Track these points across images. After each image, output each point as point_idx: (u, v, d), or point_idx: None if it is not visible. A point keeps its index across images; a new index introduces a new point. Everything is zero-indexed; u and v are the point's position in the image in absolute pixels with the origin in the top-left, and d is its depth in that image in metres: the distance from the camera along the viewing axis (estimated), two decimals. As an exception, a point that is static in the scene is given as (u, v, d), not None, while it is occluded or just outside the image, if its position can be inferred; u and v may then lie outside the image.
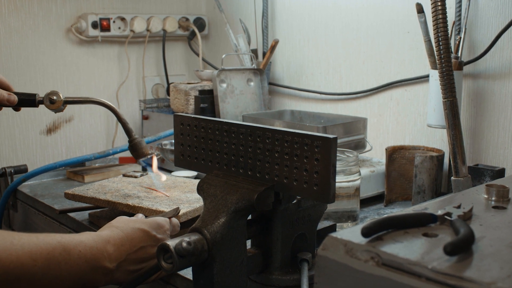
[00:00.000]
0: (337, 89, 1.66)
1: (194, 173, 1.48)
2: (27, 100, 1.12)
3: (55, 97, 1.13)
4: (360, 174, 1.12)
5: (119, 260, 0.78)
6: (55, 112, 1.17)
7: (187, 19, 2.04)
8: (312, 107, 1.73)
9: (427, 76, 1.33)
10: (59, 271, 0.71)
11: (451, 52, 1.24)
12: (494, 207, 0.68)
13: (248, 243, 0.88)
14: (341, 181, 1.08)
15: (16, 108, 1.11)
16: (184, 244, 0.73)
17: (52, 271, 0.71)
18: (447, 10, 1.03)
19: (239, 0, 1.95)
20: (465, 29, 1.28)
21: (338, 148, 0.87)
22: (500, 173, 1.20)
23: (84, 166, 1.65)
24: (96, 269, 0.75)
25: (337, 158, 1.03)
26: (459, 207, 0.64)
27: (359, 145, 1.37)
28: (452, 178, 1.08)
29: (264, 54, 1.82)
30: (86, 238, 0.76)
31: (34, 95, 1.13)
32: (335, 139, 0.75)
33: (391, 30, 1.50)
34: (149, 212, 1.04)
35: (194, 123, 0.92)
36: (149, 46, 2.03)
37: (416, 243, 0.56)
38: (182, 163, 0.96)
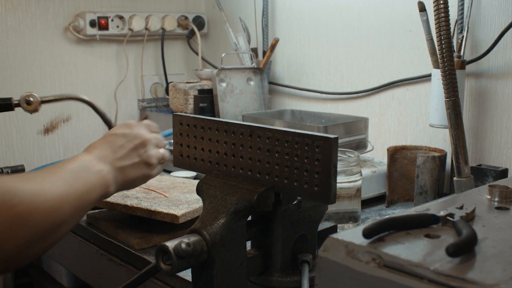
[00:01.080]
0: (338, 89, 1.66)
1: (193, 173, 1.48)
2: (2, 105, 1.12)
3: (31, 99, 1.13)
4: (361, 175, 1.12)
5: (105, 159, 0.80)
6: (31, 113, 1.17)
7: (186, 18, 2.04)
8: (313, 107, 1.73)
9: (429, 75, 1.33)
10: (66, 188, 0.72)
11: (454, 51, 1.24)
12: (497, 208, 0.68)
13: (248, 244, 0.88)
14: (342, 181, 1.08)
15: None
16: (183, 245, 0.73)
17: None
18: (449, 8, 1.03)
19: (239, -2, 1.95)
20: (468, 27, 1.28)
21: (339, 148, 0.87)
22: (503, 173, 1.19)
23: (82, 166, 1.64)
24: (89, 173, 0.77)
25: (338, 158, 1.03)
26: (461, 208, 0.64)
27: (360, 145, 1.37)
28: (455, 178, 1.08)
29: (264, 53, 1.82)
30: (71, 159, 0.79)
31: (9, 99, 1.13)
32: (336, 139, 0.75)
33: (392, 28, 1.50)
34: (148, 213, 1.04)
35: (193, 123, 0.92)
36: (147, 45, 2.03)
37: (418, 244, 0.56)
38: (181, 163, 0.96)
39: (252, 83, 1.71)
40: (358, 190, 1.11)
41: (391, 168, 1.29)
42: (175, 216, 1.01)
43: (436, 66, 1.26)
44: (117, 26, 1.90)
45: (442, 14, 1.01)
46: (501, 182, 0.77)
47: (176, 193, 1.15)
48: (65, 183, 0.73)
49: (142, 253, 1.04)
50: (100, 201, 1.11)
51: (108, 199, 1.10)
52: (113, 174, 0.82)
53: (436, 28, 1.03)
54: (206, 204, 0.82)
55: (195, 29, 2.03)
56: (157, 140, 0.92)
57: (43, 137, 1.86)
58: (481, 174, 1.20)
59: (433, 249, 0.55)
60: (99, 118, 1.97)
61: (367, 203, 1.29)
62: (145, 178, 0.89)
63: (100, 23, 1.86)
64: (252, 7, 1.87)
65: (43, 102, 1.14)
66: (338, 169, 0.77)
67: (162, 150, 0.92)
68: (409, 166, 1.31)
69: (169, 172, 1.59)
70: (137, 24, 1.91)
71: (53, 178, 0.72)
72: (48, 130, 1.87)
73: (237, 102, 1.67)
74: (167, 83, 2.01)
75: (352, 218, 1.12)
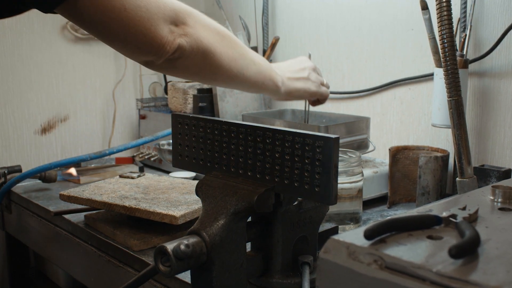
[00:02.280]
0: (339, 88, 1.66)
1: (193, 174, 1.48)
2: None
3: None
4: (362, 175, 1.12)
5: (279, 69, 1.14)
6: None
7: (185, 16, 2.04)
8: (314, 106, 1.73)
9: (432, 74, 1.33)
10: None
11: (456, 50, 1.24)
12: (500, 208, 0.67)
13: (248, 245, 0.88)
14: (344, 182, 1.08)
15: None
16: (182, 247, 0.73)
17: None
18: (452, 6, 1.02)
19: (238, -4, 1.95)
20: (471, 26, 1.28)
21: (340, 148, 0.87)
22: (507, 174, 1.19)
23: (80, 166, 1.65)
24: (269, 71, 1.09)
25: (339, 158, 1.03)
26: (464, 208, 0.64)
27: (361, 145, 1.37)
28: (457, 179, 1.08)
29: (264, 51, 1.82)
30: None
31: None
32: (337, 139, 0.75)
33: (394, 27, 1.50)
34: (146, 214, 1.04)
35: (192, 123, 0.92)
36: (146, 44, 2.02)
37: (420, 245, 0.56)
38: (180, 163, 0.96)
39: (252, 82, 1.70)
40: (360, 190, 1.11)
41: (393, 168, 1.29)
42: (174, 217, 1.01)
43: (438, 65, 1.26)
44: (115, 25, 1.90)
45: (445, 13, 1.01)
46: (504, 182, 0.77)
47: (175, 194, 1.15)
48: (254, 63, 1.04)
49: (140, 255, 1.04)
50: (97, 203, 1.11)
51: (106, 200, 1.10)
52: (282, 79, 1.12)
53: (438, 27, 1.03)
54: (205, 205, 0.82)
55: (194, 27, 2.02)
56: (319, 71, 1.23)
57: (40, 137, 1.86)
58: (484, 175, 1.20)
59: (436, 250, 0.55)
60: (96, 118, 1.98)
61: (368, 204, 1.29)
62: (307, 90, 1.18)
63: (98, 22, 1.85)
64: (252, 5, 1.87)
65: None
66: (339, 169, 0.77)
67: (321, 79, 1.23)
68: (411, 167, 1.31)
69: (167, 172, 1.59)
70: (136, 23, 1.91)
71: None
72: (45, 130, 1.87)
73: (237, 102, 1.67)
74: (166, 83, 2.01)
75: (353, 219, 1.12)
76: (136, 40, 0.82)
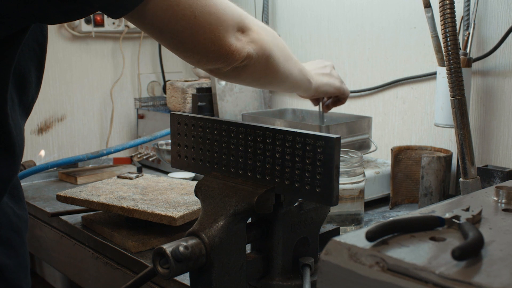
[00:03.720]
0: (340, 87, 1.66)
1: (192, 174, 1.48)
2: None
3: None
4: (364, 176, 1.12)
5: (310, 67, 1.18)
6: None
7: (184, 14, 2.04)
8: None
9: (434, 73, 1.33)
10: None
11: (460, 48, 1.24)
12: (504, 210, 0.68)
13: (248, 247, 0.88)
14: (345, 182, 1.08)
15: None
16: (181, 249, 0.73)
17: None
18: (455, 4, 1.03)
19: (238, -6, 1.95)
20: (474, 24, 1.28)
21: (341, 149, 0.87)
22: (511, 174, 1.20)
23: (77, 167, 1.65)
24: (304, 70, 1.12)
25: (341, 158, 1.03)
26: (467, 210, 0.64)
27: (363, 145, 1.37)
28: (461, 179, 1.08)
29: (264, 50, 1.82)
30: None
31: None
32: (339, 139, 0.75)
33: (396, 25, 1.50)
34: (144, 215, 1.04)
35: (191, 122, 0.92)
36: (144, 42, 2.03)
37: (423, 247, 0.56)
38: (179, 164, 0.96)
39: (252, 81, 1.71)
40: (361, 191, 1.12)
41: (395, 169, 1.30)
42: (172, 218, 1.01)
43: (441, 64, 1.26)
44: (113, 23, 1.90)
45: (448, 11, 1.01)
46: (508, 183, 0.77)
47: (174, 195, 1.15)
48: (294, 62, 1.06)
49: (138, 257, 1.04)
50: (94, 204, 1.11)
51: (103, 201, 1.10)
52: (312, 76, 1.16)
53: (441, 25, 1.03)
54: (204, 206, 0.82)
55: (194, 25, 2.02)
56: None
57: (37, 136, 1.86)
58: (488, 175, 1.20)
59: (439, 252, 0.55)
60: (94, 117, 1.98)
61: (370, 204, 1.29)
62: (332, 84, 1.22)
63: (96, 20, 1.86)
64: (252, 3, 1.87)
65: None
66: (340, 170, 0.77)
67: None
68: (413, 167, 1.31)
69: (166, 173, 1.59)
70: (134, 21, 1.91)
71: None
72: (42, 129, 1.87)
73: (237, 101, 1.67)
74: (165, 82, 2.01)
75: (355, 220, 1.12)
76: (205, 48, 0.81)
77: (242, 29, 0.86)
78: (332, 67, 1.24)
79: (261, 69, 0.93)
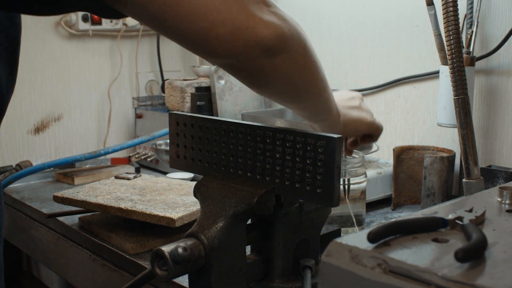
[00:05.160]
0: (342, 86, 1.66)
1: (191, 175, 1.48)
2: None
3: None
4: (366, 176, 1.12)
5: (338, 102, 0.98)
6: None
7: (183, 12, 2.04)
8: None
9: (437, 72, 1.33)
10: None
11: (463, 47, 1.24)
12: (508, 210, 0.68)
13: (248, 249, 0.88)
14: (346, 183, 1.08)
15: None
16: (180, 250, 0.73)
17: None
18: (458, 2, 1.03)
19: (238, -9, 1.95)
20: (477, 22, 1.28)
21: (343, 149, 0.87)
22: (515, 175, 1.20)
23: (74, 167, 1.65)
24: (332, 104, 0.93)
25: (342, 159, 1.03)
26: (471, 211, 0.64)
27: (365, 146, 1.37)
28: (464, 180, 1.08)
29: (264, 49, 1.81)
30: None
31: None
32: (340, 138, 0.75)
33: (399, 23, 1.50)
34: (143, 216, 1.04)
35: (190, 122, 0.92)
36: (142, 41, 2.03)
37: (425, 249, 0.56)
38: (178, 164, 0.96)
39: (252, 80, 1.71)
40: (363, 192, 1.12)
41: (397, 169, 1.30)
42: (171, 220, 1.01)
43: (444, 62, 1.26)
44: (111, 21, 1.90)
45: (451, 8, 1.01)
46: (512, 184, 0.77)
47: (172, 196, 1.15)
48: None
49: (136, 258, 1.04)
50: (91, 204, 1.11)
51: (101, 202, 1.10)
52: (340, 109, 0.99)
53: (444, 23, 1.03)
54: (203, 207, 0.82)
55: (192, 24, 2.02)
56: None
57: (33, 136, 1.86)
58: (491, 176, 1.20)
59: (441, 254, 0.55)
60: (91, 117, 1.98)
61: (372, 205, 1.29)
62: (363, 120, 1.03)
63: (93, 18, 1.86)
64: (252, 1, 1.87)
65: None
66: (342, 170, 0.77)
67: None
68: (416, 167, 1.31)
69: (165, 173, 1.59)
70: (132, 19, 1.91)
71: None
72: (38, 129, 1.87)
73: (236, 100, 1.67)
74: (163, 81, 2.01)
75: (356, 221, 1.12)
76: (230, 18, 0.63)
77: (265, 2, 0.68)
78: (361, 98, 1.04)
79: (299, 60, 0.74)
